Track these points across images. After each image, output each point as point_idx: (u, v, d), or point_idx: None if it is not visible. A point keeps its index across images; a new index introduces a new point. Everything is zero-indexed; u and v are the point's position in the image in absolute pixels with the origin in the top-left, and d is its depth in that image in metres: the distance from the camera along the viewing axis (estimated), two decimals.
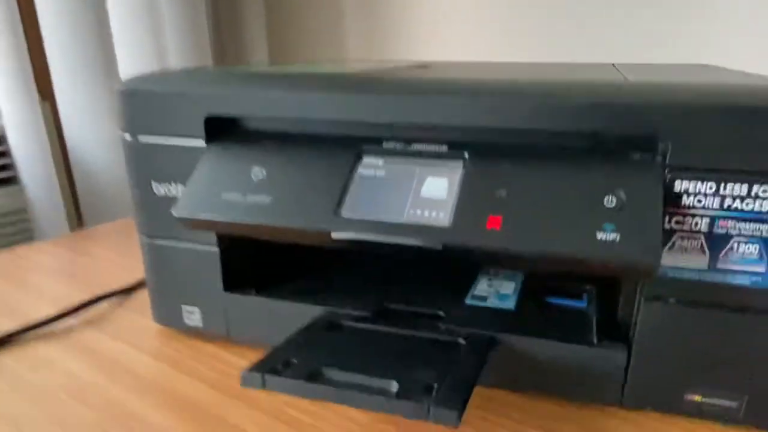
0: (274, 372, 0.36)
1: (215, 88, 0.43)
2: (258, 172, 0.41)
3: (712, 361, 0.38)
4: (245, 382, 0.35)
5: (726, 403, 0.39)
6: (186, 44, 0.90)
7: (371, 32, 0.95)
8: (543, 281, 0.52)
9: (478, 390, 0.34)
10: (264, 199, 0.40)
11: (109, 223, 0.90)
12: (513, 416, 0.42)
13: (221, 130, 0.45)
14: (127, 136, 0.47)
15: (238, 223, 0.40)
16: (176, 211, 0.41)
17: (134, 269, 0.69)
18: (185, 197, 0.42)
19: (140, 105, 0.45)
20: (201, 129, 0.44)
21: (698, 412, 0.40)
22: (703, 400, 0.39)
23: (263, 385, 0.35)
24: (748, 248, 0.35)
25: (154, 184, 0.47)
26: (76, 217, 1.26)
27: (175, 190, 0.46)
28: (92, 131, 1.20)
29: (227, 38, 1.02)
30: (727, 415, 0.39)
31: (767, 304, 0.36)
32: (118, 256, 0.76)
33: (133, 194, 0.49)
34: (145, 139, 0.46)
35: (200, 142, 0.44)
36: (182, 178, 0.44)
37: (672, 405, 0.40)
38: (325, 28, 0.99)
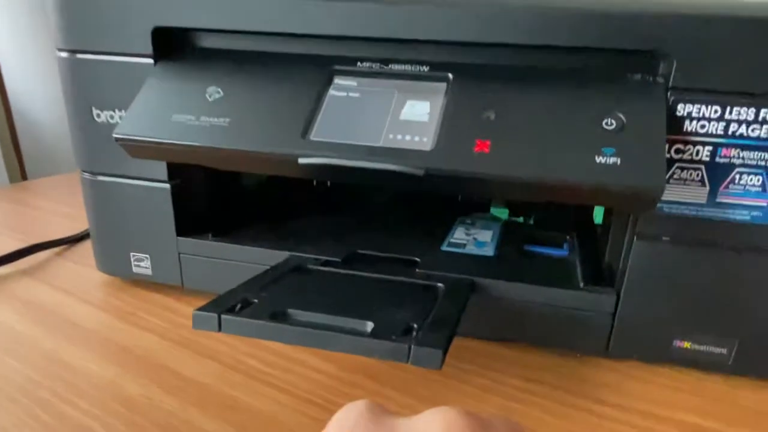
0: (232, 311, 0.31)
1: None
2: (214, 92, 0.36)
3: (704, 304, 0.36)
4: (198, 322, 0.31)
5: (715, 349, 0.37)
6: None
7: None
8: (522, 228, 0.49)
9: (455, 341, 0.31)
10: (221, 120, 0.35)
11: (53, 176, 0.83)
12: (494, 366, 0.39)
13: (172, 45, 0.39)
14: (63, 54, 0.41)
15: (190, 146, 0.35)
16: (117, 132, 0.36)
17: (81, 221, 0.63)
18: (129, 118, 0.36)
19: (78, 15, 0.39)
20: (148, 44, 0.38)
21: (686, 361, 0.38)
22: (692, 347, 0.37)
23: (219, 327, 0.31)
24: (751, 179, 0.32)
25: (95, 110, 0.41)
26: (20, 173, 1.17)
27: (120, 116, 0.41)
28: (37, 84, 1.10)
29: None
30: (716, 363, 0.37)
31: (767, 242, 0.33)
32: (62, 208, 0.69)
33: (71, 123, 0.43)
34: (84, 56, 0.40)
35: (148, 60, 0.39)
36: (127, 103, 0.38)
37: (660, 353, 0.38)
38: None
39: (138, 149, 0.37)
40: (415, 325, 0.31)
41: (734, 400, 0.36)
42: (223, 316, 0.31)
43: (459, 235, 0.48)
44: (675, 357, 0.38)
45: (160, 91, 0.37)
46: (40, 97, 1.18)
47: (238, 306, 0.32)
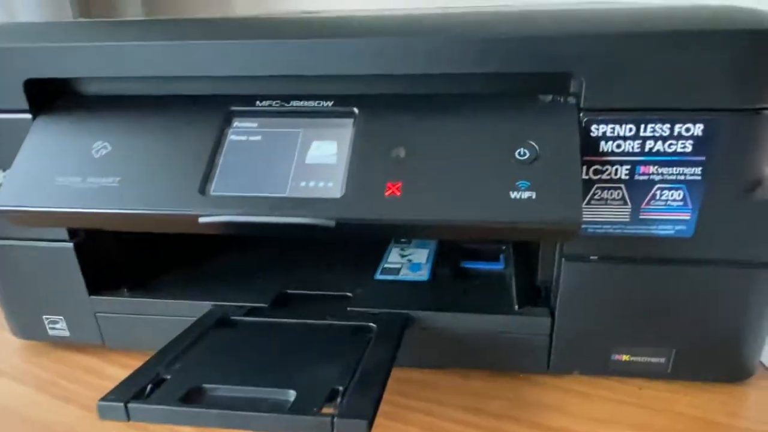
0: (140, 396, 0.28)
1: (33, 41, 0.33)
2: (100, 147, 0.32)
3: (638, 318, 0.35)
4: (105, 413, 0.28)
5: (654, 359, 0.36)
6: (41, 7, 0.75)
7: None
8: (457, 245, 0.47)
9: (395, 373, 0.29)
10: (109, 180, 0.31)
11: None
12: (434, 398, 0.37)
13: (49, 96, 0.35)
14: None
15: (77, 212, 0.31)
16: None
17: None
18: (7, 185, 0.32)
19: None
20: (22, 97, 0.34)
21: (626, 372, 0.37)
22: (631, 359, 0.36)
23: (127, 416, 0.28)
24: (672, 194, 0.31)
25: None
26: None
27: (2, 177, 0.36)
28: None
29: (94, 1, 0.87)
30: (656, 371, 0.37)
31: (692, 254, 0.33)
32: None
33: None
34: None
35: (24, 115, 0.34)
36: (7, 163, 0.34)
37: (600, 367, 0.37)
38: None
39: (23, 219, 0.33)
40: (341, 388, 0.28)
41: (673, 408, 0.36)
42: (130, 405, 0.28)
43: (393, 258, 0.46)
44: (615, 369, 0.37)
45: (39, 150, 0.33)
46: None
47: (149, 387, 0.29)
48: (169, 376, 0.30)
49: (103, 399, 0.28)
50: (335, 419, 0.26)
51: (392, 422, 0.36)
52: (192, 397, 0.28)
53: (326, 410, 0.27)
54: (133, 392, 0.28)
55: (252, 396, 0.28)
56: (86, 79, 0.35)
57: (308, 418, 0.26)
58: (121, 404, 0.28)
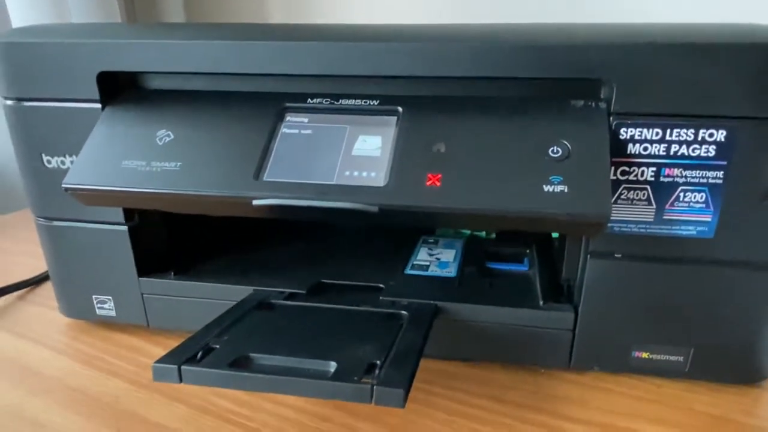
0: (192, 361, 0.30)
1: (109, 38, 0.36)
2: (164, 135, 0.35)
3: (659, 316, 0.36)
4: (158, 375, 0.30)
5: (672, 358, 0.37)
6: (90, 10, 0.79)
7: (298, 2, 0.87)
8: (483, 246, 0.49)
9: (422, 364, 0.30)
10: (172, 165, 0.34)
11: (12, 213, 0.80)
12: (460, 387, 0.38)
13: (118, 89, 0.37)
14: (9, 102, 0.39)
15: (141, 192, 0.33)
16: (66, 182, 0.34)
17: (42, 260, 0.61)
18: (77, 167, 0.35)
19: (21, 62, 0.37)
20: (94, 89, 0.37)
21: (645, 369, 0.38)
22: (650, 356, 0.37)
23: (179, 378, 0.29)
24: (695, 196, 0.32)
25: (45, 157, 0.39)
26: None
27: (70, 162, 0.39)
28: None
29: (140, 5, 0.91)
30: (674, 370, 0.37)
31: (713, 255, 0.34)
32: (23, 246, 0.66)
33: (22, 170, 0.41)
34: (30, 104, 0.38)
35: (95, 105, 0.37)
36: (77, 148, 0.36)
37: (620, 364, 0.38)
38: None
39: (89, 198, 0.35)
40: (378, 362, 0.30)
41: (691, 406, 0.36)
42: (183, 367, 0.29)
43: (422, 256, 0.47)
44: (634, 366, 0.38)
45: (108, 137, 0.35)
46: None
47: (200, 353, 0.31)
48: (217, 346, 0.32)
49: (158, 361, 0.30)
50: (374, 387, 0.27)
51: (420, 406, 0.37)
52: (240, 363, 0.30)
53: (365, 380, 0.28)
54: (185, 357, 0.30)
55: (295, 366, 0.30)
56: (152, 74, 0.38)
57: (350, 385, 0.27)
58: (175, 366, 0.29)
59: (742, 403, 0.37)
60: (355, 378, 0.28)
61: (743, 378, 0.38)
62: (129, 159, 0.34)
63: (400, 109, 0.34)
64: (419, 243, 0.50)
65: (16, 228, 0.73)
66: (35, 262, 0.59)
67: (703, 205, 0.33)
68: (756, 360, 0.37)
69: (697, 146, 0.31)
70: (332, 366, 0.30)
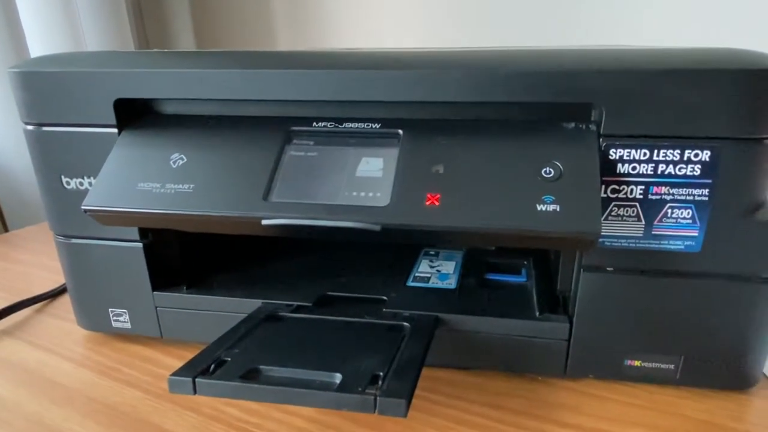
0: (205, 374, 0.31)
1: (124, 67, 0.37)
2: (177, 158, 0.36)
3: (649, 326, 0.37)
4: (174, 387, 0.31)
5: (663, 365, 0.38)
6: (105, 35, 0.80)
7: (304, 25, 0.89)
8: (482, 258, 0.50)
9: (424, 372, 0.31)
10: (185, 186, 0.35)
11: (29, 227, 0.81)
12: (460, 396, 0.39)
13: (134, 114, 0.39)
14: (29, 127, 0.40)
15: (156, 213, 0.34)
16: (86, 204, 0.35)
17: (58, 273, 0.62)
18: (96, 189, 0.36)
19: (41, 89, 0.39)
20: (111, 114, 0.38)
21: (638, 377, 0.39)
22: (642, 364, 0.38)
23: (194, 390, 0.30)
24: (682, 213, 0.33)
25: (64, 178, 0.41)
26: (1, 224, 1.13)
27: (88, 183, 0.40)
28: (7, 128, 1.07)
29: (151, 29, 0.93)
30: (665, 377, 0.38)
31: (700, 268, 0.35)
32: (40, 260, 0.67)
33: (42, 191, 0.42)
34: (49, 129, 0.40)
35: (112, 130, 0.38)
36: (95, 170, 0.38)
37: (613, 372, 0.39)
38: (254, 18, 0.92)
39: (107, 218, 0.36)
40: (381, 373, 0.31)
41: (682, 412, 0.37)
42: (197, 380, 0.30)
43: (423, 268, 0.48)
44: (627, 374, 0.39)
45: (124, 160, 0.37)
46: (12, 147, 1.15)
47: (212, 366, 0.32)
48: (229, 359, 0.33)
49: (174, 374, 0.31)
50: (378, 397, 0.28)
51: (421, 414, 0.38)
52: (250, 376, 0.31)
53: (369, 391, 0.29)
54: (199, 370, 0.31)
55: (303, 377, 0.31)
56: (167, 100, 0.39)
57: (354, 396, 0.28)
58: (189, 379, 0.30)
59: (731, 408, 0.37)
60: (360, 389, 0.29)
61: (731, 384, 0.38)
62: (144, 181, 0.35)
63: (400, 132, 0.35)
64: (420, 255, 0.51)
65: (35, 242, 0.74)
66: (53, 276, 0.61)
67: (690, 221, 0.33)
68: (743, 367, 0.37)
69: (683, 166, 0.32)
70: (338, 377, 0.30)
